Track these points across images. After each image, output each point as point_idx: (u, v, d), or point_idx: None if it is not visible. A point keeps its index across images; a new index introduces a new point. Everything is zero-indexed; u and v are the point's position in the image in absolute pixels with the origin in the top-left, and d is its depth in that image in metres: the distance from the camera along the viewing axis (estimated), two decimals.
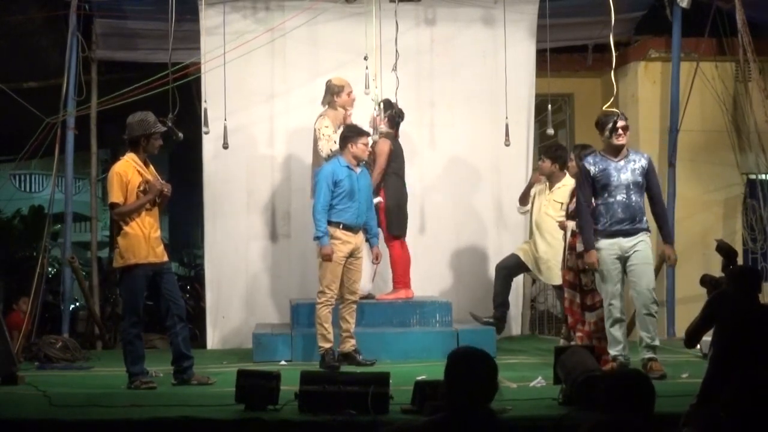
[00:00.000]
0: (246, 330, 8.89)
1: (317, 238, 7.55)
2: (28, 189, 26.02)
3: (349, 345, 7.73)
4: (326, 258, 7.49)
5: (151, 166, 7.10)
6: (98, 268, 10.65)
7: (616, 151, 7.08)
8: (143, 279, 6.88)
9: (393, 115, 8.47)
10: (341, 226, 7.56)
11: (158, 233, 7.01)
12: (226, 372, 7.21)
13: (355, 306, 7.80)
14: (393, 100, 8.38)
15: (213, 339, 9.38)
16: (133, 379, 6.79)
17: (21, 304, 10.54)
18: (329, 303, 7.57)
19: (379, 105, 8.28)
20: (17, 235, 16.21)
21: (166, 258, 7.09)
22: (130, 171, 6.85)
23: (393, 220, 8.52)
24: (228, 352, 8.83)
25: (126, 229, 6.83)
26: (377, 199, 8.41)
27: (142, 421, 5.46)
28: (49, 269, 12.67)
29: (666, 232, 7.25)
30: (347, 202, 7.59)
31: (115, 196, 6.80)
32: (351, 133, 7.73)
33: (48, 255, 11.31)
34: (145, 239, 6.84)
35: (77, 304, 13.88)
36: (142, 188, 6.85)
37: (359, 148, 7.64)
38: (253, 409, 5.63)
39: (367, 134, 7.80)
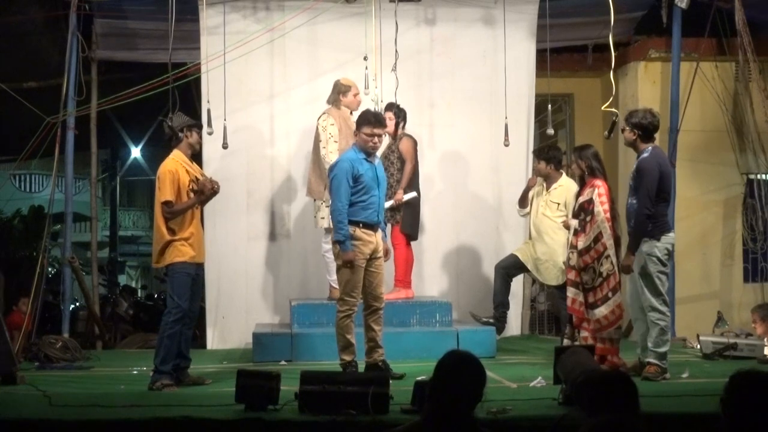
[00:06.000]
0: (246, 330, 8.88)
1: (338, 242, 6.74)
2: (28, 189, 26.06)
3: (377, 355, 6.93)
4: (348, 264, 6.72)
5: (196, 165, 7.18)
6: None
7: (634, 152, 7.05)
8: (188, 277, 6.92)
9: (394, 116, 8.45)
10: (361, 225, 6.76)
11: (202, 234, 7.16)
12: (226, 372, 7.21)
13: (381, 313, 6.96)
14: (394, 101, 8.38)
15: (213, 339, 9.38)
16: (156, 379, 6.70)
17: (21, 304, 10.53)
18: (351, 311, 6.81)
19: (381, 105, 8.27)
20: (17, 235, 16.20)
21: (204, 259, 7.23)
22: (180, 169, 6.92)
23: (408, 219, 8.51)
24: (228, 352, 8.83)
25: (174, 228, 6.87)
26: (411, 194, 8.36)
27: (142, 421, 5.45)
28: (49, 269, 12.65)
29: (630, 239, 6.89)
30: (367, 197, 6.76)
31: (169, 194, 6.83)
32: (358, 121, 6.96)
33: (48, 255, 11.29)
34: (193, 239, 6.92)
35: (77, 304, 13.89)
36: (192, 187, 6.92)
37: (362, 138, 6.81)
38: (253, 409, 5.63)
39: (377, 124, 6.86)
